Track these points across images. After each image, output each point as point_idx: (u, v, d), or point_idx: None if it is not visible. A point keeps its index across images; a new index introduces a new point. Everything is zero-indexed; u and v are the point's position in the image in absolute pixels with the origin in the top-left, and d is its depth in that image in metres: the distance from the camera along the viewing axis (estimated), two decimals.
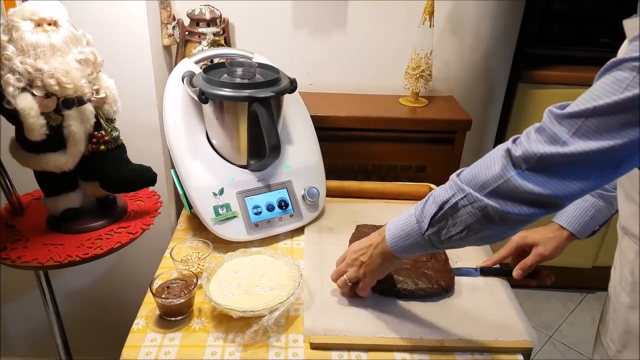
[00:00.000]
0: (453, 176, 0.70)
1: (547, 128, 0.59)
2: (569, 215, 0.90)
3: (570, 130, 0.57)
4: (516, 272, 0.93)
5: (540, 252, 0.91)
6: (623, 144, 0.54)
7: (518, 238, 0.94)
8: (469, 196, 0.65)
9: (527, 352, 0.81)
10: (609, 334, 0.83)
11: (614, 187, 0.86)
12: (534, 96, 1.66)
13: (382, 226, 1.05)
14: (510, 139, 0.65)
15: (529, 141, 0.61)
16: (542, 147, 0.59)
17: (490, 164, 0.64)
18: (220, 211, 1.01)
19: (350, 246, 0.88)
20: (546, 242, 0.91)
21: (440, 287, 0.89)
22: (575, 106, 0.57)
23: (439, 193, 0.70)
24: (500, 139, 1.76)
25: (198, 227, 1.07)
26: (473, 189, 0.65)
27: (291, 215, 1.07)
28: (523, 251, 0.94)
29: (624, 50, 0.70)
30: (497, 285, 0.94)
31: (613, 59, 0.56)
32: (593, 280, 2.06)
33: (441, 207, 0.68)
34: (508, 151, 0.62)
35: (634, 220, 0.75)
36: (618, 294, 0.80)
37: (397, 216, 0.78)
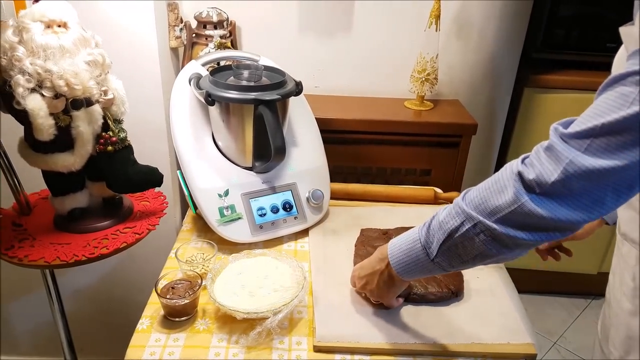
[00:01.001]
0: (459, 201, 0.66)
1: (555, 147, 0.56)
2: None
3: (580, 150, 0.54)
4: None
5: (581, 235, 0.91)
6: (636, 162, 0.52)
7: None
8: (479, 224, 0.62)
9: (531, 358, 0.81)
10: (611, 340, 0.83)
11: None
12: (540, 101, 1.66)
13: (386, 230, 1.06)
14: (519, 159, 0.61)
15: (541, 162, 0.57)
16: (554, 170, 0.56)
17: (501, 188, 0.61)
18: (225, 212, 1.01)
19: (355, 270, 0.87)
20: (589, 229, 0.91)
21: (450, 291, 0.89)
22: (581, 124, 0.55)
23: (445, 219, 0.66)
24: (505, 143, 1.76)
25: (203, 228, 1.07)
26: (483, 215, 0.62)
27: (295, 218, 1.07)
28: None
29: (619, 58, 0.70)
30: (501, 290, 0.93)
31: (614, 74, 0.54)
32: (598, 286, 2.04)
33: (450, 235, 0.65)
34: (520, 175, 0.59)
35: (633, 226, 0.75)
36: (619, 300, 0.80)
37: (396, 239, 0.76)
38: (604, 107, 0.53)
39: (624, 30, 0.59)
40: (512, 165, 0.61)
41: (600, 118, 0.53)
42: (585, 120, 0.55)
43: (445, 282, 0.90)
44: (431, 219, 0.70)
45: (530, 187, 0.58)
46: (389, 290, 0.80)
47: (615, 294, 0.82)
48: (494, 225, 0.61)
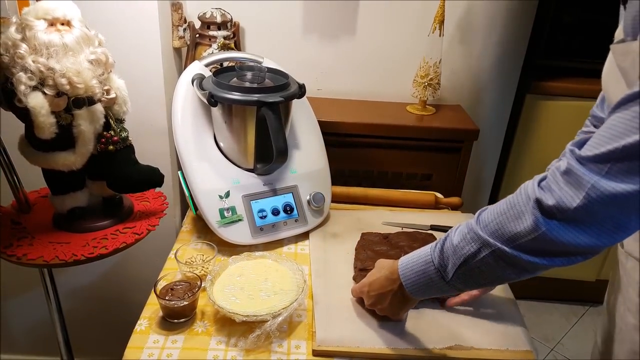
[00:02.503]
0: (473, 225, 0.64)
1: (574, 171, 0.54)
2: None
3: (600, 174, 0.52)
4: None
5: None
6: None
7: None
8: (498, 251, 0.61)
9: None
10: (615, 354, 0.83)
11: None
12: (542, 107, 1.66)
13: (387, 234, 1.06)
14: (535, 181, 0.59)
15: (560, 187, 0.55)
16: (575, 196, 0.54)
17: (518, 214, 0.59)
18: (226, 214, 1.01)
19: (363, 286, 0.84)
20: None
21: None
22: (599, 146, 0.53)
23: (460, 244, 0.65)
24: (507, 149, 1.76)
25: (203, 229, 1.07)
26: (501, 242, 0.60)
27: (296, 220, 1.07)
28: None
29: (608, 74, 0.69)
30: (500, 296, 0.93)
31: (628, 93, 0.53)
32: (596, 293, 2.04)
33: (466, 260, 0.64)
34: (538, 202, 0.57)
35: (635, 243, 0.75)
36: (622, 315, 0.80)
37: (406, 259, 0.75)
38: (621, 128, 0.51)
39: (621, 48, 0.57)
40: (528, 189, 0.59)
41: (619, 140, 0.51)
42: (603, 142, 0.53)
43: None
44: (443, 241, 0.69)
45: (550, 213, 0.56)
46: (401, 308, 0.80)
47: (618, 308, 0.81)
48: (514, 252, 0.59)
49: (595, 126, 0.89)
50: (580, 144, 0.56)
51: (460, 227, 0.67)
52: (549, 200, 0.55)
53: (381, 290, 0.79)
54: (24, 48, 0.82)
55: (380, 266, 0.82)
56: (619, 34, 0.61)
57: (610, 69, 0.68)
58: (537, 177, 0.59)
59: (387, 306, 0.80)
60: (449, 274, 0.67)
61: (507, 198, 0.62)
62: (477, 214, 0.66)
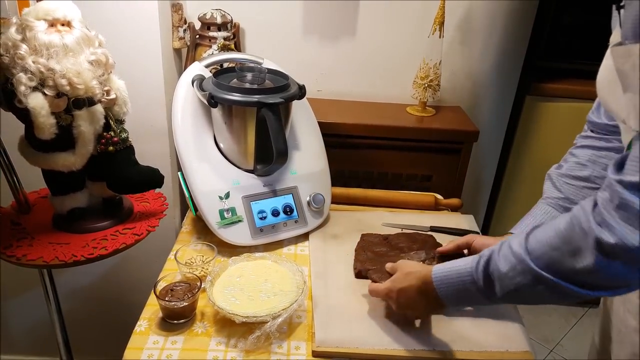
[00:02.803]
0: (522, 255, 0.63)
1: (629, 204, 0.53)
2: (525, 226, 0.89)
3: None
4: None
5: None
6: None
7: (466, 240, 0.93)
8: (555, 286, 0.60)
9: None
10: (614, 356, 0.83)
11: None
12: (542, 109, 1.66)
13: (387, 236, 1.05)
14: (588, 213, 0.57)
15: (618, 223, 0.53)
16: (636, 234, 0.52)
17: (575, 251, 0.58)
18: (226, 215, 1.01)
19: (391, 292, 0.82)
20: None
21: None
22: None
23: (511, 274, 0.64)
24: (506, 150, 1.76)
25: (202, 230, 1.07)
26: (557, 277, 0.60)
27: (296, 221, 1.07)
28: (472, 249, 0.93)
29: (605, 79, 0.69)
30: None
31: None
32: None
33: (518, 289, 0.64)
34: (599, 241, 0.55)
35: None
36: (622, 318, 0.80)
37: (441, 273, 0.74)
38: None
39: (621, 51, 0.56)
40: (583, 224, 0.57)
41: None
42: None
43: None
44: (486, 263, 0.68)
45: (613, 254, 0.54)
46: (436, 312, 0.85)
47: (617, 310, 0.81)
48: (571, 287, 0.59)
49: (592, 131, 0.89)
50: (620, 165, 0.55)
51: (504, 253, 0.66)
52: (610, 239, 0.54)
53: (415, 299, 0.79)
54: (24, 49, 0.83)
55: (407, 272, 0.81)
56: (615, 38, 0.60)
57: (605, 73, 0.68)
58: (587, 207, 0.58)
59: (422, 313, 0.84)
60: (496, 295, 0.67)
61: (558, 229, 0.61)
62: (522, 239, 0.64)
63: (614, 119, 0.81)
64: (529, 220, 0.90)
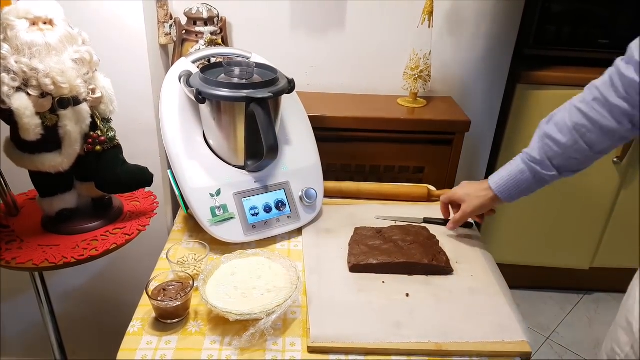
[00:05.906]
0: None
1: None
2: (500, 177, 0.95)
3: None
4: (449, 226, 1.06)
5: (464, 209, 1.01)
6: None
7: (446, 198, 1.06)
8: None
9: (525, 356, 0.80)
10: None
11: (550, 169, 0.90)
12: (532, 97, 1.66)
13: (380, 229, 1.05)
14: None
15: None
16: None
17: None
18: (217, 212, 1.00)
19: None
20: (471, 200, 0.99)
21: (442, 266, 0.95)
22: None
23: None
24: (498, 140, 1.76)
25: (194, 228, 1.06)
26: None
27: (289, 217, 1.06)
28: (456, 205, 1.05)
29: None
30: (494, 287, 0.93)
31: None
32: (590, 281, 2.06)
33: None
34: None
35: None
36: None
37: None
38: None
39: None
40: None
41: None
42: None
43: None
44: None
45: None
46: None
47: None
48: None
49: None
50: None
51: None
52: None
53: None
54: (5, 48, 0.81)
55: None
56: None
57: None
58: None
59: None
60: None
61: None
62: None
63: None
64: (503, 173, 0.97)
